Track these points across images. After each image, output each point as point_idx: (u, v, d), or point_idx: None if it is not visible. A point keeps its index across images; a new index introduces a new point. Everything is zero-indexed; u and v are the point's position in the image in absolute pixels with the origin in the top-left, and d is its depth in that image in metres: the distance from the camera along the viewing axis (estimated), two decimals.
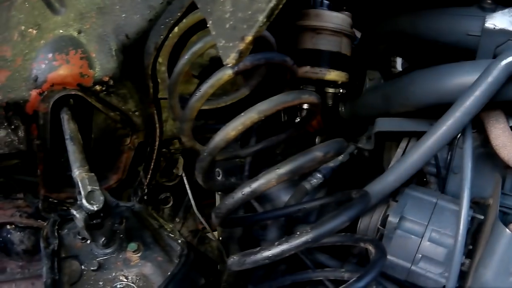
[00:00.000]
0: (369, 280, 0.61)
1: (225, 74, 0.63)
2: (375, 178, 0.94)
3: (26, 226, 1.05)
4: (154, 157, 0.92)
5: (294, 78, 0.78)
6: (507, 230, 0.77)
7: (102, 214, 0.74)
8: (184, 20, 0.74)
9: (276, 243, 0.57)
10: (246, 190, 0.59)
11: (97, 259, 0.78)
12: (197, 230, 1.05)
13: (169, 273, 0.72)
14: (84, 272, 0.78)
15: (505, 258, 0.78)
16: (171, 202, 1.04)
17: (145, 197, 0.98)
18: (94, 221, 0.73)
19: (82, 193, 0.71)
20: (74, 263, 0.80)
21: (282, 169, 0.58)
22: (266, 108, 0.61)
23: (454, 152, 0.91)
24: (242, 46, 0.54)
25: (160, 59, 0.78)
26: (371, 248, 0.70)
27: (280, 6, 0.52)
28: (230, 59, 0.56)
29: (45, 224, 0.89)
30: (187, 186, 0.98)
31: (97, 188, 0.71)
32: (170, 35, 0.74)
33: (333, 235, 0.77)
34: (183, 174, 0.98)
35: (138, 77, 0.83)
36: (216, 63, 0.82)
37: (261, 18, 0.53)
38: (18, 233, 1.05)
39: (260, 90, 0.88)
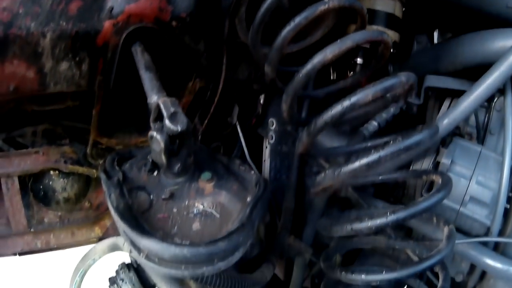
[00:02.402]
0: (446, 192, 0.66)
1: (319, 8, 0.67)
2: None
3: (70, 173, 1.02)
4: (215, 103, 0.94)
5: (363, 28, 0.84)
6: None
7: (178, 141, 0.74)
8: None
9: (373, 150, 0.61)
10: (346, 103, 0.63)
11: (168, 188, 0.77)
12: None
13: (248, 199, 0.72)
14: (154, 201, 0.76)
15: None
16: (221, 152, 1.04)
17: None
18: (173, 146, 0.73)
19: (165, 114, 0.71)
20: (141, 194, 0.78)
21: (377, 87, 0.63)
22: (359, 38, 0.66)
23: (491, 115, 1.00)
24: None
25: None
26: (436, 177, 0.76)
27: None
28: None
29: (101, 162, 0.88)
30: (240, 134, 1.00)
31: (180, 110, 0.72)
32: None
33: (397, 172, 0.83)
34: (237, 123, 1.00)
35: (213, 17, 0.85)
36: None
37: None
38: (62, 179, 1.02)
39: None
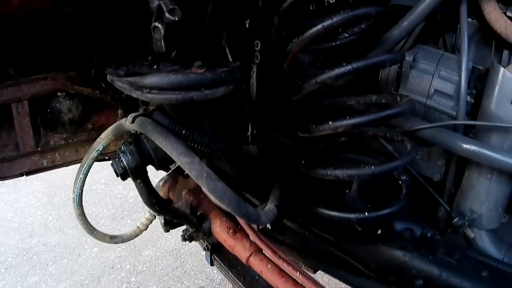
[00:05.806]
0: None
1: None
2: None
3: (76, 95, 1.12)
4: (205, 23, 1.07)
5: None
6: (501, 67, 0.96)
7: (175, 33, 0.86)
8: None
9: (326, 17, 0.72)
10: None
11: None
12: None
13: None
14: None
15: (502, 90, 0.95)
16: None
17: None
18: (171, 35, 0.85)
19: (165, 9, 0.83)
20: None
21: None
22: None
23: (458, 35, 1.12)
24: None
25: None
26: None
27: None
28: None
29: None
30: (229, 55, 1.11)
31: (177, 8, 0.85)
32: None
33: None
34: (226, 46, 1.12)
35: None
36: None
37: None
38: (68, 101, 1.12)
39: None
